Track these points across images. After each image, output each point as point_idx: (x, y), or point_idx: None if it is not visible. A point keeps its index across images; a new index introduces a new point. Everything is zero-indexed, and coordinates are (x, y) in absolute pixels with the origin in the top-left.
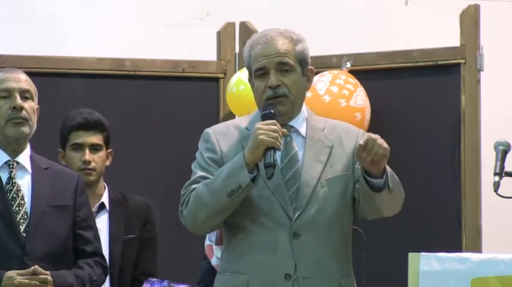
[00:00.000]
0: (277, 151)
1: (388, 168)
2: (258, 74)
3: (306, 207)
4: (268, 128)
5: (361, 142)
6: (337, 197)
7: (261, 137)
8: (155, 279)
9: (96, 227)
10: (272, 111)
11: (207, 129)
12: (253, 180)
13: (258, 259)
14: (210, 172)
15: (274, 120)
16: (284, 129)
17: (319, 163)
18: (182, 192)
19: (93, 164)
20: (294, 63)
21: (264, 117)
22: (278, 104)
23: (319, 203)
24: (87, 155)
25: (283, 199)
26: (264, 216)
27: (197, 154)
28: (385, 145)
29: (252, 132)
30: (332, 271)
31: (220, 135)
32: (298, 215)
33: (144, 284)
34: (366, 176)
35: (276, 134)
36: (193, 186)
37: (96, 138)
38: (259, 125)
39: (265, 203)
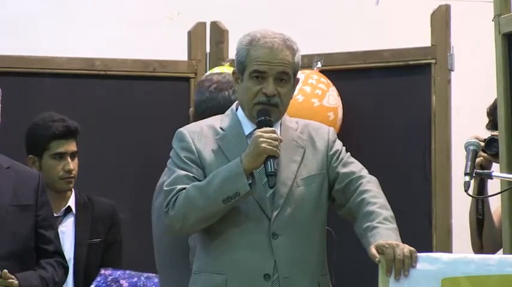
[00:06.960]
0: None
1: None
2: (254, 75)
3: (282, 206)
4: (269, 136)
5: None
6: (313, 196)
7: (263, 145)
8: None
9: (56, 227)
10: (267, 117)
11: (181, 129)
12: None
13: (237, 259)
14: (190, 171)
15: (274, 128)
16: (280, 137)
17: (294, 162)
18: (166, 189)
19: (74, 172)
20: (291, 74)
21: (260, 124)
22: (269, 112)
23: (296, 202)
24: (71, 164)
25: (261, 200)
26: (243, 217)
27: (172, 153)
28: (406, 250)
29: (252, 139)
30: (311, 269)
31: (195, 134)
32: (276, 214)
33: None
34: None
35: (276, 143)
36: (180, 186)
37: (74, 146)
38: (259, 133)
39: (243, 204)
